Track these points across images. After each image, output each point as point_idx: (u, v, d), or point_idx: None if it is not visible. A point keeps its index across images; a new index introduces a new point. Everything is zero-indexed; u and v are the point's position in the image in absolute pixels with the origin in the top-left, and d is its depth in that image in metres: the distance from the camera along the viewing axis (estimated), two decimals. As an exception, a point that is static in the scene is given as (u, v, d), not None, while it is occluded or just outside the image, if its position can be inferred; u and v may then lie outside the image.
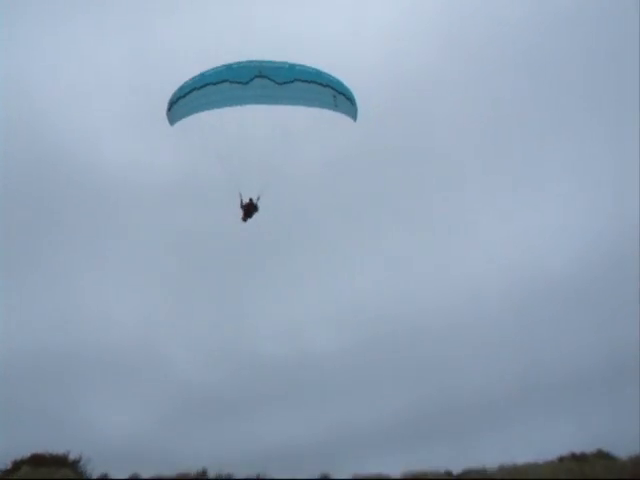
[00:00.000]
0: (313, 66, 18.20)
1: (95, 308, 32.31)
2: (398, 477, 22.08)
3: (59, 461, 21.37)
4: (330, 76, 18.24)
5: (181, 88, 18.20)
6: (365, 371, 30.36)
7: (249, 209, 19.50)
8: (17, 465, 20.83)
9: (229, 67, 18.09)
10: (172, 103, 18.37)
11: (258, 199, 19.54)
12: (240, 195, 19.56)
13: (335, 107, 18.39)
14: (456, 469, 22.84)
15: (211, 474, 21.91)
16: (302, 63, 18.16)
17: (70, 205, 34.37)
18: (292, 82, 18.07)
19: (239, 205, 19.53)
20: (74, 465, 21.66)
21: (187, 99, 18.04)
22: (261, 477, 22.33)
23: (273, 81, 17.95)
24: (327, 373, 30.09)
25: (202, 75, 18.15)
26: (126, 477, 21.58)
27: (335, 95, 18.16)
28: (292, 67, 18.05)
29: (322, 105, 18.44)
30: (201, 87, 17.93)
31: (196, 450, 23.33)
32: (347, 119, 18.80)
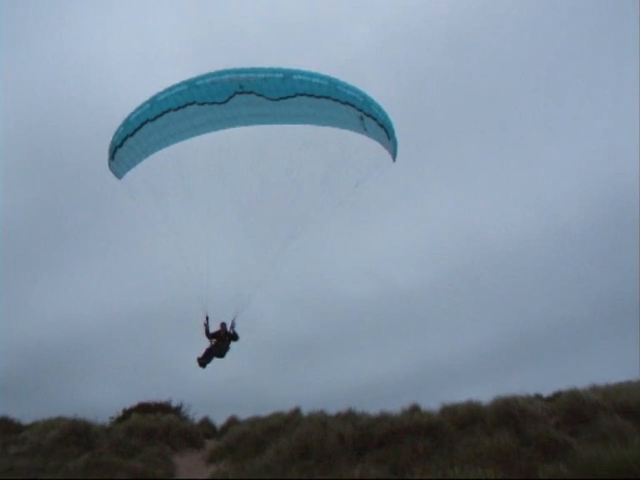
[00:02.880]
0: (319, 73, 10.96)
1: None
2: (489, 403, 20.71)
3: (163, 408, 22.87)
4: (349, 88, 11.02)
5: (126, 124, 11.97)
6: (448, 305, 27.76)
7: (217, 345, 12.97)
8: (127, 413, 22.77)
9: (191, 84, 11.51)
10: (115, 147, 12.19)
11: (233, 325, 12.99)
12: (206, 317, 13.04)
13: (364, 130, 11.49)
14: (546, 392, 21.33)
15: (304, 412, 22.17)
16: (301, 69, 10.97)
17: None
18: (292, 97, 11.24)
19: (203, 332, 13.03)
20: (177, 411, 23.16)
21: (137, 137, 12.03)
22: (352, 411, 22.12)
23: (262, 96, 11.24)
24: (411, 309, 27.78)
25: (153, 101, 11.78)
26: (225, 420, 22.72)
27: (362, 117, 11.14)
28: (288, 76, 11.05)
29: (344, 125, 11.62)
30: (155, 117, 11.76)
31: (290, 391, 23.62)
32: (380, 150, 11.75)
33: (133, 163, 12.45)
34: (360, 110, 11.04)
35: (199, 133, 12.55)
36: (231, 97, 11.51)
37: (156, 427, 18.61)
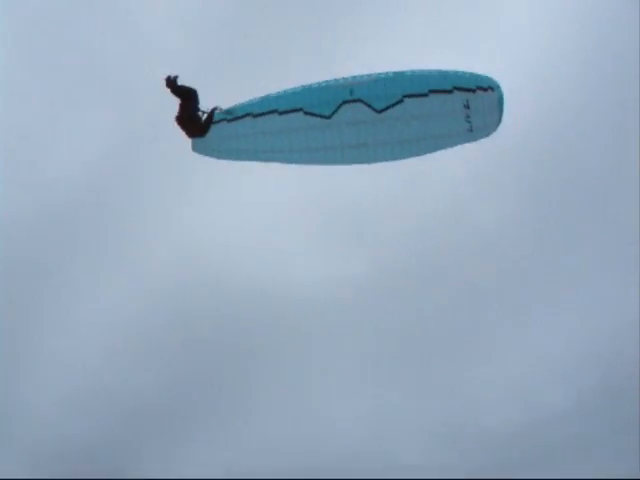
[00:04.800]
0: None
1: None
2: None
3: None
4: (454, 71, 11.84)
5: (230, 109, 12.04)
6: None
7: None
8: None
9: (305, 86, 12.09)
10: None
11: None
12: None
13: (470, 132, 11.84)
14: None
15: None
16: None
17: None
18: (400, 102, 11.74)
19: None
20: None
21: (233, 128, 11.99)
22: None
23: (370, 107, 11.74)
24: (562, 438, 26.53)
25: (266, 97, 12.16)
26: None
27: (466, 102, 11.58)
28: (397, 75, 11.65)
29: (448, 135, 11.99)
30: (260, 114, 11.92)
31: None
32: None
33: (217, 153, 12.51)
34: (466, 89, 11.48)
35: (293, 160, 12.73)
36: (338, 107, 12.03)
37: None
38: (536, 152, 27.26)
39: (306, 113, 12.18)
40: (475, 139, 12.00)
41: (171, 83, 11.18)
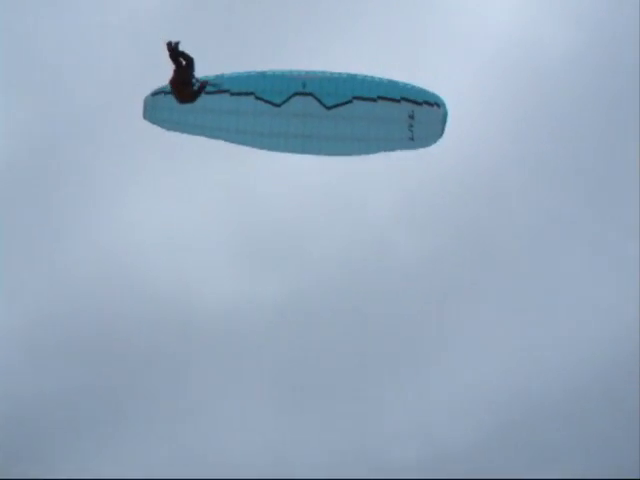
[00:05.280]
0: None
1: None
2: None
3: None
4: (406, 83, 12.46)
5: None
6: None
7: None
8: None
9: (261, 72, 12.33)
10: (162, 91, 12.16)
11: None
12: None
13: (412, 141, 12.48)
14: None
15: None
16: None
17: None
18: (349, 102, 12.23)
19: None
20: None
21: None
22: None
23: (320, 102, 12.15)
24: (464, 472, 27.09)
25: (220, 76, 12.24)
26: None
27: (412, 113, 12.22)
28: (350, 78, 12.14)
29: (391, 140, 12.59)
30: (213, 91, 11.93)
31: None
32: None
33: (166, 123, 12.57)
34: (414, 101, 12.12)
35: (238, 141, 12.91)
36: (289, 98, 12.36)
37: None
38: (461, 188, 28.74)
39: (257, 98, 12.45)
40: (415, 147, 12.61)
41: (172, 48, 11.13)
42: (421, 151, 13.08)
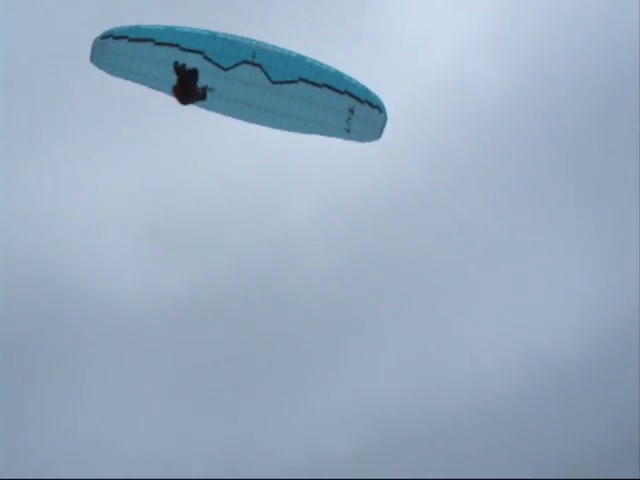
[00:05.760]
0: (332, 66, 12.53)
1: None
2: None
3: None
4: (352, 79, 12.74)
5: (134, 28, 12.03)
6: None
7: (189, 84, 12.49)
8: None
9: (213, 33, 12.26)
10: (110, 35, 12.04)
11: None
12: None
13: (347, 132, 12.86)
14: None
15: None
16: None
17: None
18: (294, 82, 12.45)
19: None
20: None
21: (133, 47, 11.98)
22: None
23: (266, 75, 12.28)
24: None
25: (171, 28, 12.16)
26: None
27: (353, 107, 12.59)
28: (301, 59, 12.35)
29: (328, 127, 12.91)
30: (161, 43, 11.97)
31: None
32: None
33: (113, 69, 12.33)
34: (357, 98, 12.49)
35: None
36: (237, 65, 12.38)
37: None
38: (374, 203, 29.68)
39: (205, 58, 12.36)
40: (350, 139, 13.04)
41: (180, 69, 12.21)
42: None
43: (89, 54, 12.46)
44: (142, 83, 12.60)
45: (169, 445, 29.16)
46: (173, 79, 12.51)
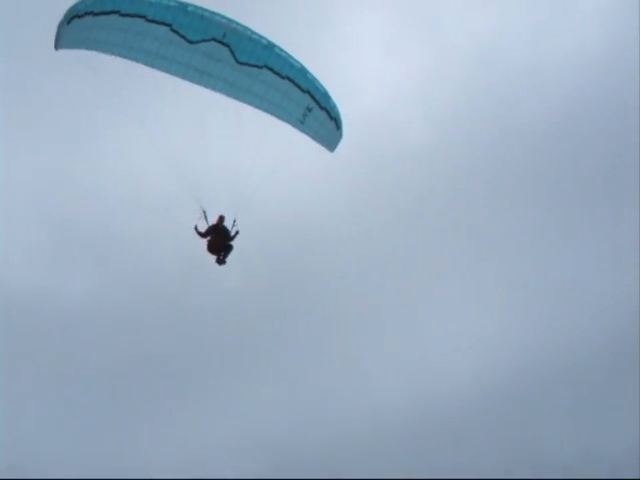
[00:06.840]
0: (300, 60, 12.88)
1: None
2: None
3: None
4: (316, 80, 12.99)
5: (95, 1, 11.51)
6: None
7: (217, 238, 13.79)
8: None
9: (183, 6, 12.20)
10: (74, 16, 11.43)
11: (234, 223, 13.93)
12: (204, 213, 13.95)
13: (301, 124, 13.17)
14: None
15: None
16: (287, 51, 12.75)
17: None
18: (259, 68, 12.67)
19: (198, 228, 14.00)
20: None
21: (99, 22, 11.51)
22: None
23: (233, 55, 12.42)
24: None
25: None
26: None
27: (311, 107, 12.93)
28: (270, 47, 12.61)
29: (285, 113, 13.18)
30: (126, 14, 11.62)
31: None
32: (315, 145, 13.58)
33: (84, 45, 11.85)
34: (316, 101, 12.85)
35: (139, 59, 12.47)
36: (204, 41, 12.40)
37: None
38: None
39: (172, 30, 12.22)
40: (302, 131, 13.32)
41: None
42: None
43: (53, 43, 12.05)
44: (108, 52, 12.20)
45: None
46: (140, 45, 12.27)
